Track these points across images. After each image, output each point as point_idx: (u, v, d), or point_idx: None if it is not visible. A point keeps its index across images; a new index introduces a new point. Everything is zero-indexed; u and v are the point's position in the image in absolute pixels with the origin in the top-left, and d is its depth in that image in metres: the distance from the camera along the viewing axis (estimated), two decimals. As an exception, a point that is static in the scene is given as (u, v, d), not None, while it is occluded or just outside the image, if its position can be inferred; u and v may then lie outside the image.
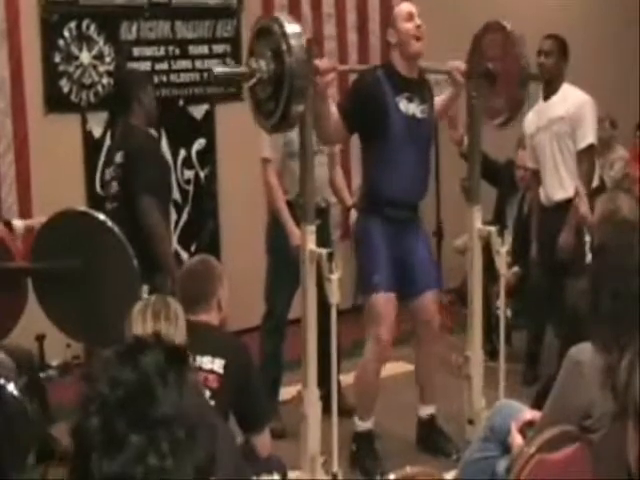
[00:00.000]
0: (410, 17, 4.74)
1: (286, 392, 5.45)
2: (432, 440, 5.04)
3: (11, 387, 3.83)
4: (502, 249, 4.91)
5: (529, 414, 3.32)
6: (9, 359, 4.07)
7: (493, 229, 4.99)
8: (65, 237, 3.82)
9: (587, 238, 5.13)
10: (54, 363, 5.98)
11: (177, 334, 3.14)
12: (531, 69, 5.03)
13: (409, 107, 4.71)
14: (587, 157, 5.61)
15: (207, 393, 3.36)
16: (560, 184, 5.63)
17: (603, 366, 2.69)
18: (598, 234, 4.44)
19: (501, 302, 5.15)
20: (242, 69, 4.17)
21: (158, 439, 1.30)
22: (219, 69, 4.81)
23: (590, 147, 5.60)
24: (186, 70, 6.73)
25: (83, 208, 4.41)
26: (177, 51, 6.74)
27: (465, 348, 5.18)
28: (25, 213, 6.09)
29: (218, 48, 6.91)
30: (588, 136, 5.58)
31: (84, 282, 3.67)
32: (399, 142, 4.67)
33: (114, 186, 4.75)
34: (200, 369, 3.50)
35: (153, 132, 5.40)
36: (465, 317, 5.25)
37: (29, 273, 3.91)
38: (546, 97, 5.68)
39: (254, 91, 4.08)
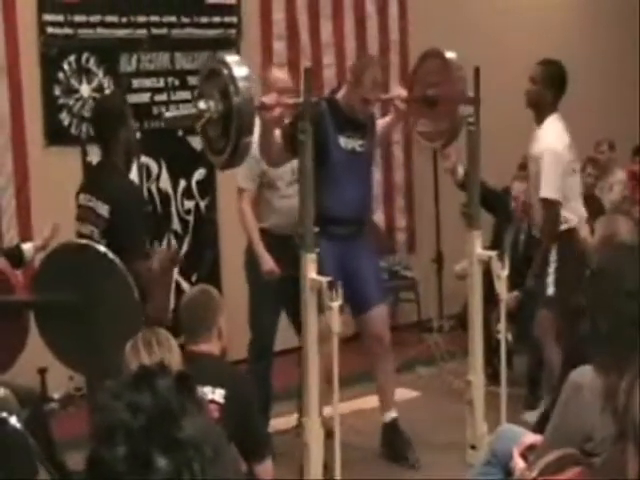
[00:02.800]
0: (375, 85, 4.95)
1: (282, 422, 5.45)
2: (394, 445, 5.23)
3: (13, 420, 3.83)
4: (502, 273, 4.93)
5: (531, 438, 3.33)
6: (11, 394, 4.07)
7: (493, 254, 5.01)
8: (66, 269, 3.83)
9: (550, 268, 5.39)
10: (56, 396, 5.98)
11: (173, 357, 3.16)
12: (467, 93, 5.06)
13: (348, 142, 5.04)
14: (545, 207, 5.46)
15: None
16: (537, 226, 5.64)
17: (603, 389, 2.70)
18: (596, 257, 4.46)
19: (502, 326, 5.16)
20: (191, 111, 4.34)
21: (190, 460, 1.29)
22: (169, 114, 4.98)
23: (545, 200, 5.43)
24: (185, 101, 6.76)
25: (84, 240, 4.40)
26: (176, 82, 6.78)
27: (467, 373, 5.18)
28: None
29: (217, 78, 6.95)
30: (543, 189, 5.40)
31: (85, 314, 3.68)
32: (338, 171, 4.96)
33: (94, 233, 4.58)
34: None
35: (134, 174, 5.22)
36: (466, 342, 5.26)
37: (30, 306, 3.92)
38: (538, 124, 5.60)
39: (205, 131, 4.27)
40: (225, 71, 4.11)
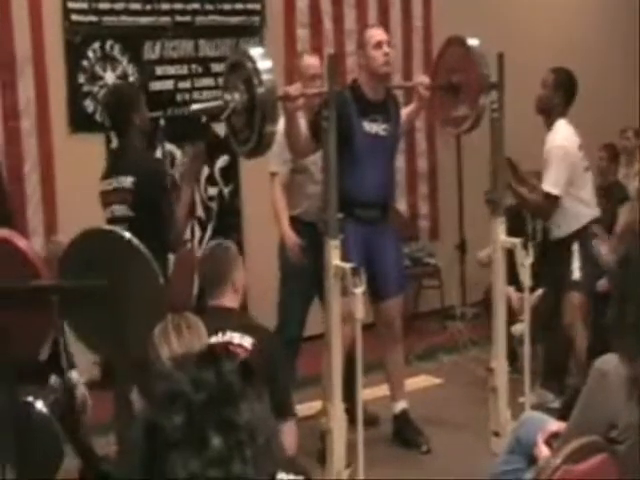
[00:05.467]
0: (379, 45, 5.06)
1: (306, 408, 5.47)
2: (404, 433, 5.28)
3: (40, 405, 3.87)
4: (526, 261, 4.92)
5: (555, 425, 3.32)
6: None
7: (518, 241, 4.99)
8: (91, 256, 3.84)
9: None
10: (81, 381, 6.00)
11: (202, 342, 3.18)
12: (490, 78, 5.08)
13: (372, 127, 5.09)
14: (545, 201, 5.50)
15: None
16: (552, 224, 5.65)
17: (628, 376, 2.69)
18: (621, 244, 4.45)
19: (525, 315, 5.15)
20: (217, 103, 4.40)
21: (242, 444, 1.30)
22: (195, 106, 5.05)
23: (546, 194, 5.47)
24: (209, 88, 6.77)
25: (109, 227, 4.43)
26: (200, 69, 6.79)
27: (489, 360, 5.18)
28: (51, 232, 6.15)
29: (240, 66, 6.96)
30: (546, 182, 5.47)
31: (110, 299, 3.69)
32: (363, 155, 5.03)
33: (120, 209, 4.65)
34: (230, 343, 3.62)
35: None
36: (489, 329, 5.26)
37: (56, 291, 3.94)
38: (548, 129, 5.64)
39: (230, 122, 4.32)
40: (249, 63, 4.17)
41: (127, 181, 4.58)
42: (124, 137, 4.74)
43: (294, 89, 4.53)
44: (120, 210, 4.61)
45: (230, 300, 3.89)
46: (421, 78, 5.32)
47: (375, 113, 5.08)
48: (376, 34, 5.13)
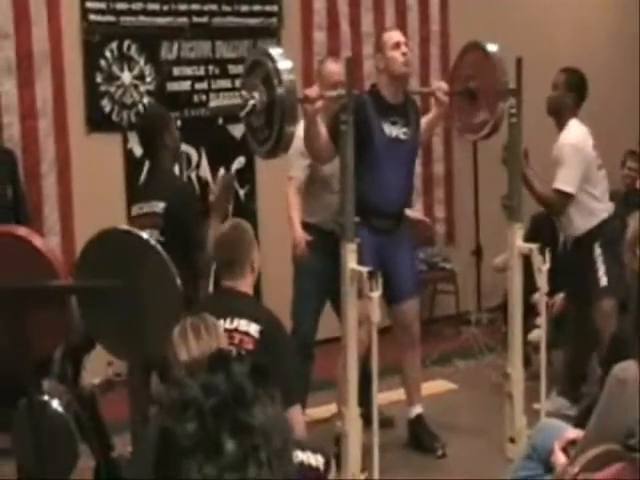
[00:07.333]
0: (397, 46, 5.06)
1: (321, 411, 5.46)
2: (420, 438, 5.26)
3: (55, 403, 3.87)
4: (543, 267, 4.89)
5: (572, 433, 3.30)
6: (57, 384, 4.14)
7: (534, 247, 4.96)
8: (108, 256, 3.84)
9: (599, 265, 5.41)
10: (95, 381, 6.01)
11: (220, 344, 3.17)
12: (509, 84, 5.05)
13: (392, 130, 5.05)
14: (558, 198, 5.45)
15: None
16: (568, 221, 5.61)
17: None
18: (631, 250, 4.43)
19: (542, 320, 5.12)
20: (235, 101, 4.42)
21: (257, 448, 1.29)
22: (213, 103, 5.03)
23: (558, 191, 5.43)
24: (226, 89, 6.77)
25: (126, 227, 4.42)
26: (217, 70, 6.79)
27: (505, 366, 5.16)
28: (67, 232, 6.16)
29: (257, 67, 6.96)
30: (558, 180, 5.42)
31: (126, 300, 3.69)
32: (383, 160, 4.98)
33: (151, 234, 4.66)
34: (236, 330, 3.64)
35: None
36: (505, 335, 5.24)
37: (73, 291, 3.94)
38: (559, 130, 5.63)
39: (249, 121, 4.31)
40: (269, 63, 4.16)
41: (159, 206, 4.58)
42: (156, 159, 4.76)
43: (312, 91, 4.52)
44: (151, 235, 4.59)
45: (244, 284, 3.88)
46: (439, 84, 5.28)
47: (395, 115, 5.05)
48: (394, 35, 5.13)
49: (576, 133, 5.50)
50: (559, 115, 5.56)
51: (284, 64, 4.16)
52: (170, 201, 4.57)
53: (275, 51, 4.25)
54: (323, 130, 4.75)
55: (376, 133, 4.98)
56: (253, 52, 4.47)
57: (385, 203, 5.00)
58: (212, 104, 4.87)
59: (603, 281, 5.46)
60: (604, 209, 5.56)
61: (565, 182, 5.40)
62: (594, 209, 5.52)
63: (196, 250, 4.50)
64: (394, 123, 5.04)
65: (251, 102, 4.18)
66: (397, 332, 5.25)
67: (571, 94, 5.56)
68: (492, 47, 5.11)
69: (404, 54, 5.04)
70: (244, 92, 4.27)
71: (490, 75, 5.08)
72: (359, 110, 4.70)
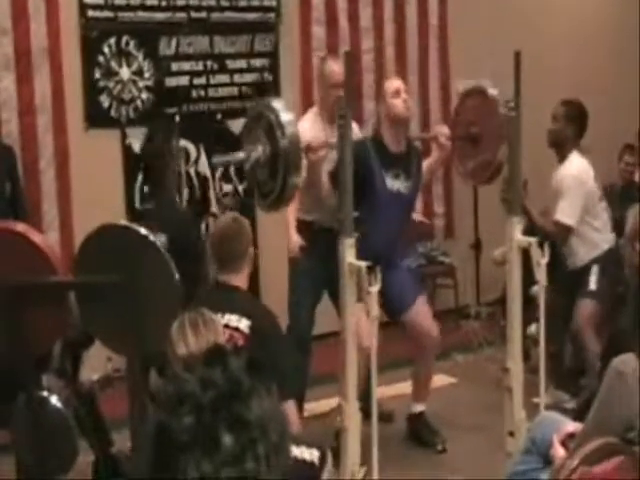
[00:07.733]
0: (397, 93, 5.10)
1: (321, 405, 5.46)
2: (420, 433, 5.31)
3: (54, 399, 3.87)
4: (542, 261, 4.88)
5: (571, 426, 3.31)
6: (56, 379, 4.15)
7: (533, 240, 4.96)
8: (106, 251, 3.85)
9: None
10: (95, 377, 6.02)
11: (218, 339, 3.18)
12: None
13: (394, 183, 5.10)
14: (558, 230, 5.49)
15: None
16: (570, 252, 5.63)
17: (646, 377, 2.68)
18: (630, 246, 4.44)
19: (540, 314, 5.12)
20: (240, 155, 4.37)
21: (255, 442, 1.29)
22: (216, 159, 5.11)
23: (558, 223, 5.48)
24: (224, 84, 6.78)
25: (124, 222, 4.43)
26: (215, 66, 6.79)
27: (504, 360, 5.16)
28: (66, 227, 6.16)
29: (256, 62, 6.96)
30: (559, 212, 5.48)
31: (125, 295, 3.70)
32: (381, 210, 5.02)
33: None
34: (226, 326, 3.63)
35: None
36: (504, 329, 5.23)
37: (71, 287, 3.95)
38: (560, 162, 5.64)
39: (253, 174, 4.30)
40: (272, 116, 4.16)
41: (161, 238, 4.64)
42: (160, 190, 4.82)
43: (315, 141, 4.53)
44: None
45: (239, 279, 3.91)
46: (441, 129, 5.29)
47: (398, 167, 5.09)
48: (394, 83, 5.18)
49: (577, 165, 5.55)
50: (560, 147, 5.60)
51: (286, 116, 4.15)
52: (171, 233, 4.73)
53: (278, 104, 4.25)
54: (325, 178, 4.81)
55: (378, 185, 5.03)
56: (255, 106, 4.46)
57: (377, 246, 4.91)
58: (215, 159, 4.94)
59: (592, 286, 5.55)
60: (605, 240, 5.64)
61: (566, 214, 5.47)
62: (595, 240, 5.58)
63: (196, 265, 4.55)
64: (397, 176, 5.09)
65: (254, 155, 4.18)
66: (414, 338, 5.25)
67: (571, 126, 5.59)
68: (493, 91, 5.10)
69: (404, 100, 5.09)
70: (248, 145, 4.25)
71: (491, 119, 5.07)
72: (361, 158, 4.73)
